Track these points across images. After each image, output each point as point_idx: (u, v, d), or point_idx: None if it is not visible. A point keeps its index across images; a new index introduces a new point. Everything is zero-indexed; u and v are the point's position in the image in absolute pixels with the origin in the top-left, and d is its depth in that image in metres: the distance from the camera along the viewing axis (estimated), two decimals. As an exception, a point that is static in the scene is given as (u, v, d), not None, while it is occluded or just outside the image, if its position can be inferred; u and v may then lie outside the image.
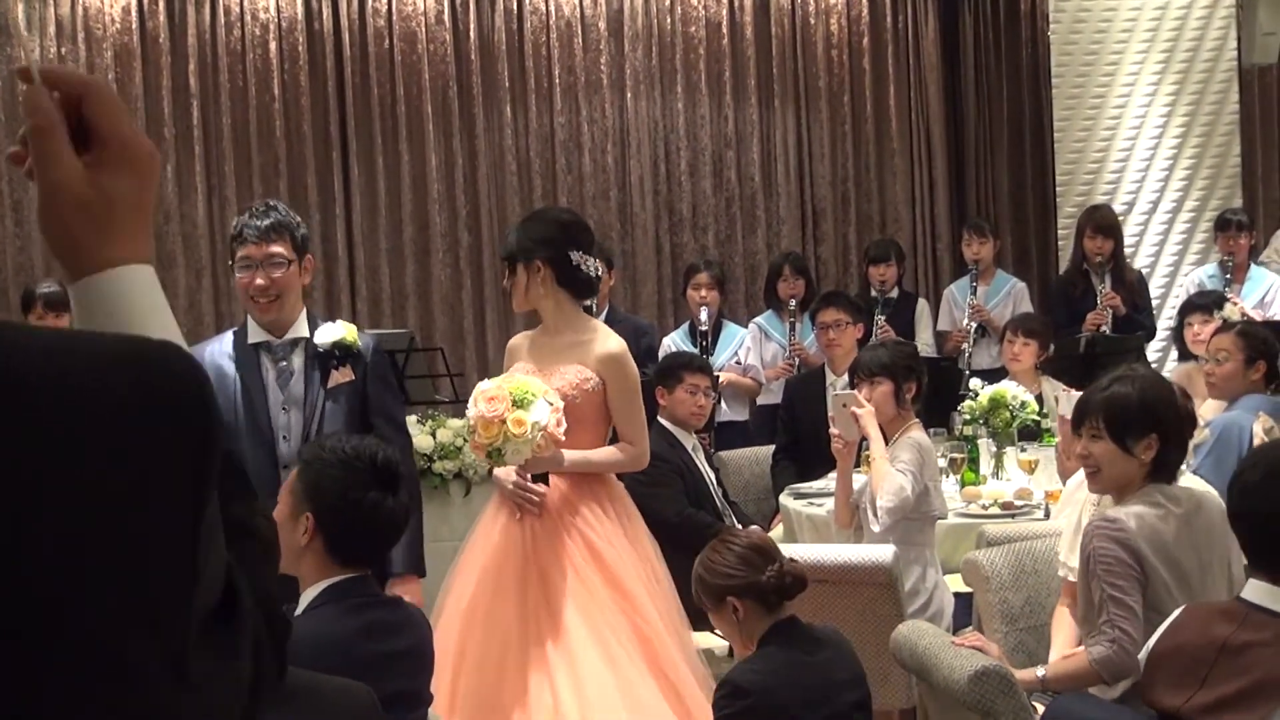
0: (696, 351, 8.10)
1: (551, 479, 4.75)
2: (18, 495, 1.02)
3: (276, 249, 4.54)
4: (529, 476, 4.71)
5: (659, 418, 6.71)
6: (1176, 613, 3.68)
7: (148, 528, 1.09)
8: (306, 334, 4.65)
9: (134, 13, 9.56)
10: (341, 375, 4.63)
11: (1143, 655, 3.71)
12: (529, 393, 4.51)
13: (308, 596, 3.27)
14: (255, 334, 4.62)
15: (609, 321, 6.85)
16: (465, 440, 7.61)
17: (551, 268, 4.80)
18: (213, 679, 1.14)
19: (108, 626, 1.05)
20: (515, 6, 10.17)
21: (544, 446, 4.54)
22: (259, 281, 4.52)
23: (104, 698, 1.06)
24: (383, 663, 3.15)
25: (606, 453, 4.87)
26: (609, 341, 4.88)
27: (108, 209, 1.36)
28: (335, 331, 4.66)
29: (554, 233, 4.86)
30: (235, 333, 4.70)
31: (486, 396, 4.52)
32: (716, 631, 6.46)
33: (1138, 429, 4.13)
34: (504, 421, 4.46)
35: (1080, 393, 4.63)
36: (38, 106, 1.34)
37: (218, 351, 4.62)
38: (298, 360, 4.63)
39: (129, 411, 1.09)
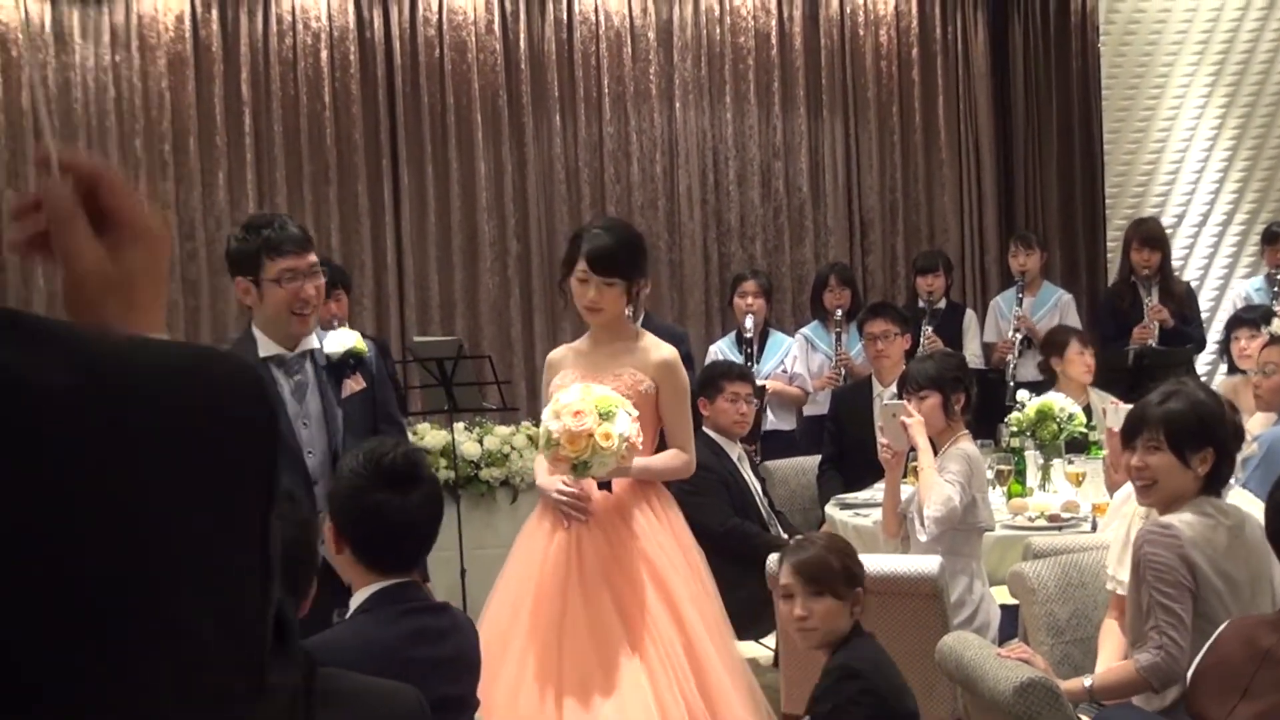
0: (742, 360, 8.11)
1: (614, 485, 4.76)
2: (103, 495, 1.05)
3: (314, 258, 4.49)
4: (583, 483, 4.71)
5: (703, 427, 6.72)
6: (1223, 626, 3.67)
7: (229, 531, 1.12)
8: (316, 345, 4.58)
9: (187, 21, 9.64)
10: (355, 384, 4.58)
11: (1190, 670, 3.70)
12: (613, 405, 4.53)
13: (356, 601, 3.30)
14: (266, 348, 4.50)
15: (644, 328, 6.86)
16: (512, 448, 7.66)
17: (644, 287, 4.91)
18: (278, 688, 1.17)
19: (198, 633, 1.08)
20: (565, 16, 10.21)
21: (627, 457, 4.57)
22: (310, 291, 4.44)
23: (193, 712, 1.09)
24: (427, 668, 3.16)
25: (665, 459, 4.89)
26: (663, 348, 4.92)
27: (130, 288, 1.40)
28: (346, 340, 4.61)
29: (643, 255, 4.96)
30: (237, 346, 4.58)
31: (572, 411, 4.49)
32: (762, 641, 6.49)
33: (1196, 442, 4.12)
34: (592, 435, 4.46)
35: (1129, 405, 4.62)
36: (60, 198, 1.37)
37: None
38: (310, 372, 4.55)
39: (207, 414, 1.15)
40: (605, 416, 4.49)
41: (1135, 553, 4.06)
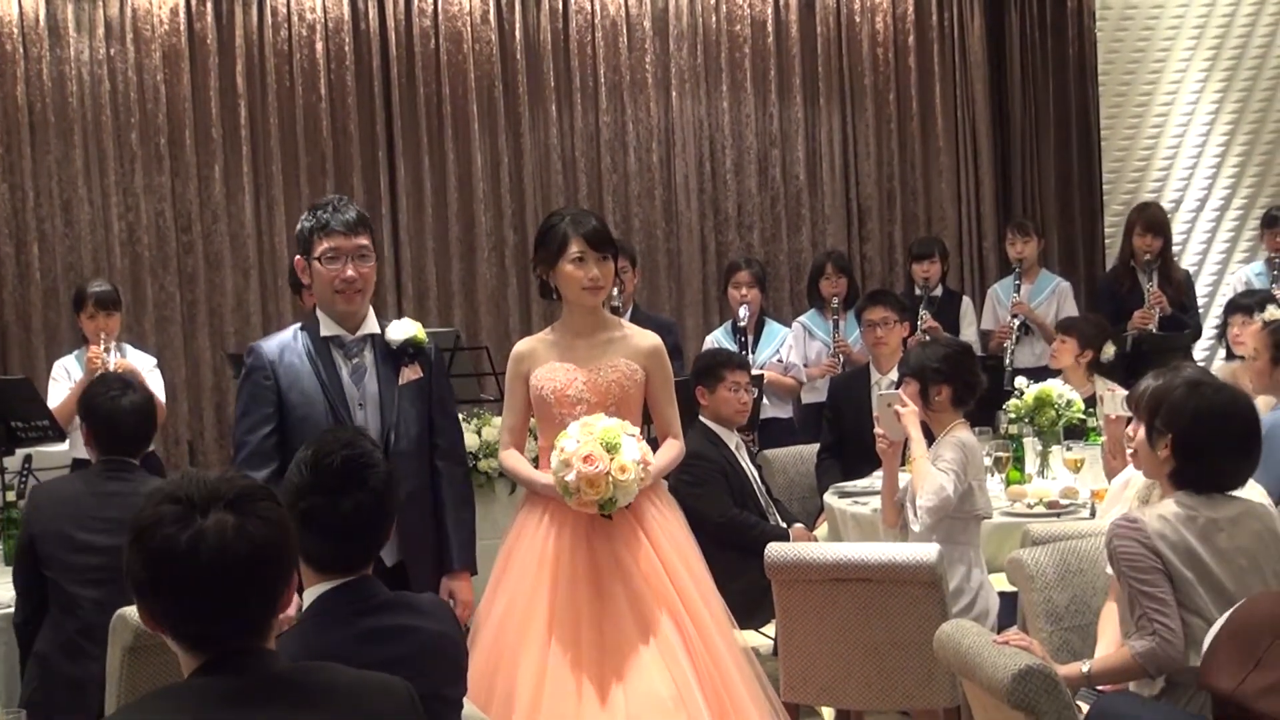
0: (737, 350, 8.07)
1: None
2: None
3: (363, 241, 4.58)
4: None
5: (701, 417, 6.71)
6: (1243, 601, 3.67)
7: None
8: (377, 330, 4.67)
9: (182, 14, 9.63)
10: (412, 372, 4.67)
11: (1208, 639, 3.69)
12: (615, 434, 4.55)
13: (306, 601, 3.21)
14: (328, 328, 4.61)
15: (634, 320, 6.84)
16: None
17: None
18: None
19: None
20: (560, 6, 10.20)
21: (646, 477, 4.61)
22: (349, 274, 4.53)
23: None
24: (379, 669, 3.05)
25: (667, 455, 4.92)
26: (649, 335, 4.98)
27: None
28: (407, 329, 4.69)
29: None
30: (303, 327, 4.66)
31: (581, 456, 4.51)
32: (761, 630, 6.50)
33: (1158, 429, 4.12)
34: (609, 473, 4.49)
35: (1126, 391, 4.61)
36: None
37: (290, 346, 4.60)
38: (369, 357, 4.64)
39: None
40: (612, 449, 4.52)
41: (1106, 546, 4.06)
